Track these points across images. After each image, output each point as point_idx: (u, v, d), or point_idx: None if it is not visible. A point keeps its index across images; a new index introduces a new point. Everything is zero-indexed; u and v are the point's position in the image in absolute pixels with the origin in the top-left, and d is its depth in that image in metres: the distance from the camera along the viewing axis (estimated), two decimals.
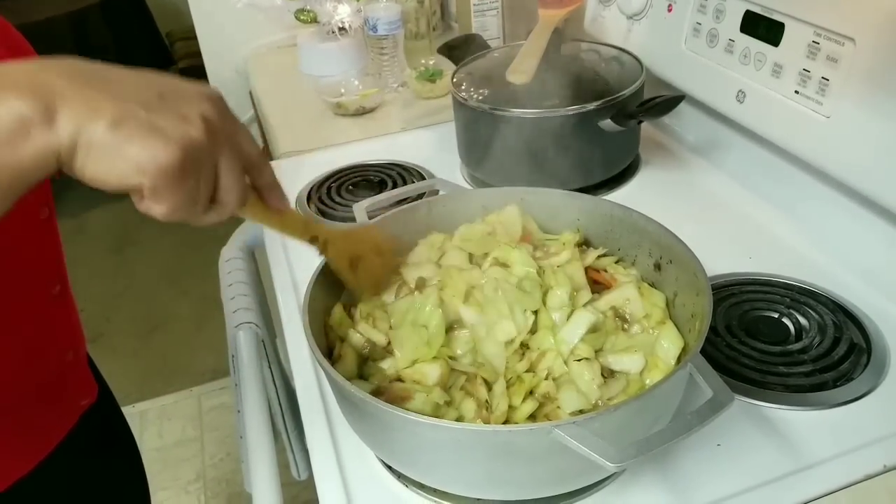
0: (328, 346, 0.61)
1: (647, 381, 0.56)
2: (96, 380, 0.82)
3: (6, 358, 0.64)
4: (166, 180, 0.37)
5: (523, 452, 0.47)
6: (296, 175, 1.04)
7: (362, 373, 0.59)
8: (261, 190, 0.47)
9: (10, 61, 0.37)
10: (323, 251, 0.59)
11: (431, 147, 1.10)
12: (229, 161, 0.41)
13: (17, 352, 0.65)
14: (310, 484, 0.62)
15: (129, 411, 2.06)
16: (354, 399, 0.50)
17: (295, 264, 0.86)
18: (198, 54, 1.66)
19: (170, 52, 3.39)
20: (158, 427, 2.03)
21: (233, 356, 0.88)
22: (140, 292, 2.60)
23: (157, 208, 0.38)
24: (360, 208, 0.71)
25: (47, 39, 2.83)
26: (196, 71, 2.84)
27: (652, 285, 0.65)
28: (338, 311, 0.63)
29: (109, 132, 0.35)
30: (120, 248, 2.87)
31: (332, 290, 0.63)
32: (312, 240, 0.58)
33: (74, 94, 0.35)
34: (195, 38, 1.61)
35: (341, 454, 0.61)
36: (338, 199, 0.98)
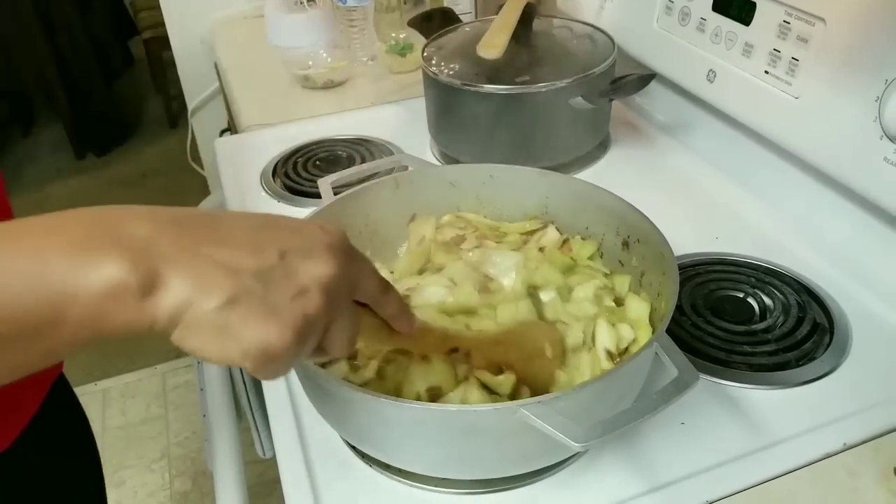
0: None
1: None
2: None
3: None
4: (273, 362, 0.33)
5: (488, 432, 0.47)
6: (261, 149, 1.02)
7: None
8: (387, 320, 0.43)
9: (104, 208, 0.31)
10: (465, 361, 0.52)
11: (401, 123, 1.09)
12: (344, 321, 0.36)
13: None
14: (275, 463, 0.61)
15: (91, 389, 2.04)
16: (318, 380, 0.49)
17: None
18: (163, 24, 1.61)
19: (134, 21, 3.30)
20: (122, 405, 2.00)
21: None
22: None
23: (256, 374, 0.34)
24: (326, 183, 0.70)
25: (8, 9, 2.73)
26: (161, 42, 2.78)
27: (620, 263, 0.65)
28: None
29: (221, 313, 0.30)
30: None
31: None
32: (452, 352, 0.51)
33: (182, 260, 0.30)
34: (159, 7, 1.56)
35: (304, 434, 0.60)
36: (304, 174, 0.96)
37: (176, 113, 3.27)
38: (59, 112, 3.05)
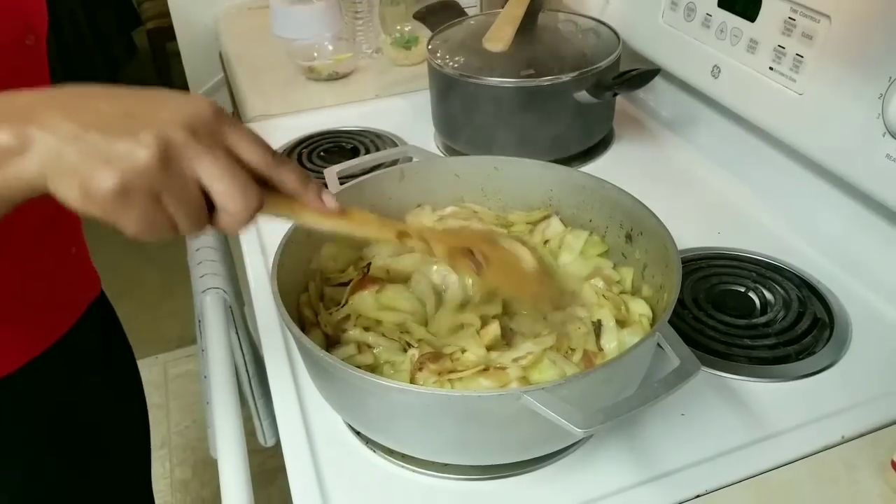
0: (298, 313, 0.61)
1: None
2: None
3: (15, 238, 0.65)
4: (109, 206, 0.37)
5: (492, 417, 0.48)
6: (266, 140, 1.02)
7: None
8: (289, 194, 0.44)
9: (28, 90, 0.39)
10: (424, 250, 0.51)
11: (406, 115, 1.09)
12: (212, 168, 0.39)
13: (26, 232, 0.66)
14: (276, 451, 0.62)
15: None
16: (324, 364, 0.49)
17: (264, 228, 0.85)
18: (166, 15, 1.61)
19: (137, 12, 3.29)
20: None
21: (199, 321, 0.87)
22: (105, 258, 2.52)
23: (124, 230, 0.39)
24: (332, 173, 0.70)
25: None
26: (164, 32, 2.77)
27: (623, 256, 0.65)
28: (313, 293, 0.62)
29: (61, 160, 0.37)
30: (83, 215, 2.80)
31: (301, 255, 0.62)
32: (401, 236, 0.50)
33: (51, 124, 0.37)
34: None
35: (309, 421, 0.61)
36: (309, 164, 0.96)
37: None
38: None
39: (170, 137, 0.38)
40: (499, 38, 0.87)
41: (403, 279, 0.63)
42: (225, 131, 0.40)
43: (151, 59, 3.24)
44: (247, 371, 0.90)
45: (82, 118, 0.38)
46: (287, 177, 0.43)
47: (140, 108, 0.39)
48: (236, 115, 1.33)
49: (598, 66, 0.86)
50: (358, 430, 0.59)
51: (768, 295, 0.71)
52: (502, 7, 0.93)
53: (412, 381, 0.53)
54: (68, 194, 0.37)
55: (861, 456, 0.56)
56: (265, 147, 0.42)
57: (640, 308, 0.59)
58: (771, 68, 0.77)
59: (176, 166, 0.38)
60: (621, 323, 0.58)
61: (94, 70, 3.05)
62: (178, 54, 1.63)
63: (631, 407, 0.44)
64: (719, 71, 0.84)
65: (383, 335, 0.58)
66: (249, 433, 0.71)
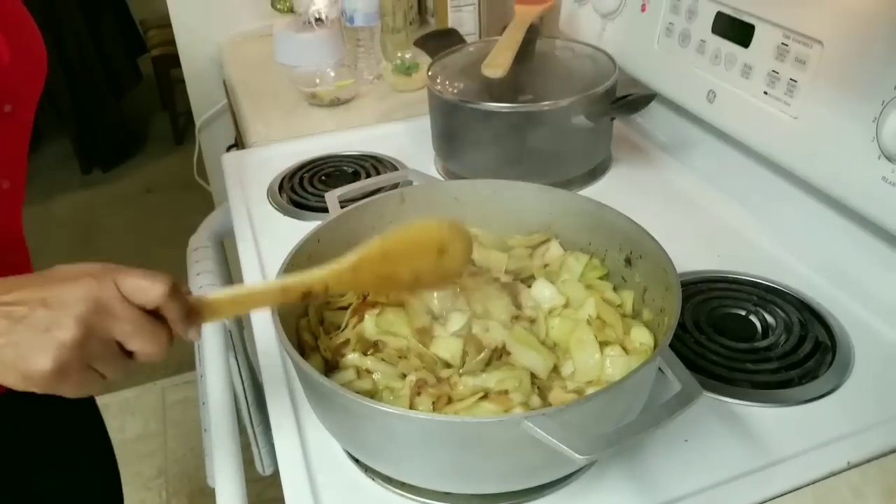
0: (297, 338, 0.60)
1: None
2: None
3: None
4: (49, 384, 0.43)
5: (492, 444, 0.47)
6: (268, 164, 1.03)
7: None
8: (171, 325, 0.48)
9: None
10: (333, 296, 0.55)
11: (406, 139, 1.09)
12: (125, 328, 0.44)
13: None
14: (274, 480, 0.61)
15: None
16: (323, 389, 0.49)
17: (265, 254, 0.85)
18: (171, 42, 1.63)
19: (143, 39, 3.34)
20: (120, 421, 1.99)
21: (198, 346, 0.87)
22: None
23: (64, 395, 0.44)
24: (333, 197, 0.71)
25: None
26: (169, 59, 2.80)
27: (623, 279, 0.65)
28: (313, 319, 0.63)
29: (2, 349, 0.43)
30: (85, 236, 2.81)
31: None
32: (306, 296, 0.52)
33: None
34: (169, 26, 1.58)
35: (308, 449, 0.60)
36: (310, 188, 0.97)
37: (182, 130, 3.29)
38: (66, 127, 3.07)
39: (84, 315, 0.43)
40: (497, 64, 0.88)
41: (402, 303, 0.63)
42: (122, 287, 0.45)
43: (156, 86, 3.28)
44: (245, 398, 0.89)
45: (6, 313, 0.43)
46: (170, 314, 0.47)
47: (51, 294, 0.43)
48: (240, 141, 1.34)
49: (595, 91, 0.87)
50: (357, 457, 0.58)
51: (769, 318, 0.70)
52: (501, 34, 0.94)
53: (411, 406, 0.53)
54: (9, 381, 0.43)
55: (868, 482, 0.55)
56: (156, 289, 0.46)
57: (641, 336, 0.58)
58: (765, 93, 0.77)
59: (96, 337, 0.44)
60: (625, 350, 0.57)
61: (99, 96, 3.07)
62: (182, 81, 1.65)
63: (633, 432, 0.43)
64: (715, 95, 0.84)
65: (383, 360, 0.58)
66: (248, 461, 0.71)
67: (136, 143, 3.38)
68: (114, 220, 2.86)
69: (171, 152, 3.31)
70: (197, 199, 1.95)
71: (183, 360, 2.10)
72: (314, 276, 0.52)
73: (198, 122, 1.65)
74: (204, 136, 1.67)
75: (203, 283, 0.91)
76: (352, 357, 0.58)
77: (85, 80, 2.98)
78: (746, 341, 0.68)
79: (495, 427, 0.46)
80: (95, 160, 3.20)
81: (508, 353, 0.58)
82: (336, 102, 1.22)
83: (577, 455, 0.42)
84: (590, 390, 0.55)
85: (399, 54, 1.28)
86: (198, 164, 1.73)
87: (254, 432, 0.90)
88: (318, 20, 1.34)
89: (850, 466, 0.56)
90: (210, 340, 0.82)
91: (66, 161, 3.21)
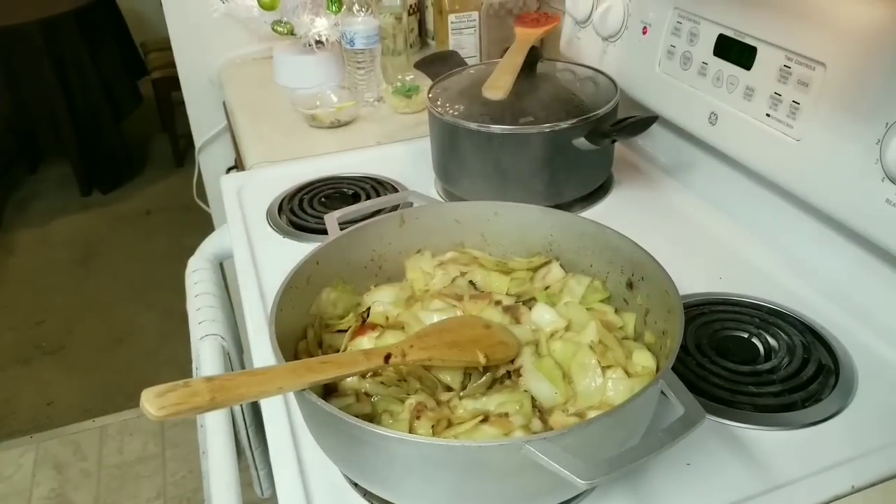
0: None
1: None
2: None
3: None
4: None
5: (493, 468, 0.46)
6: (267, 186, 1.03)
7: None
8: None
9: None
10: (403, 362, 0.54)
11: (406, 161, 1.10)
12: None
13: None
14: (274, 503, 0.60)
15: (89, 426, 2.02)
16: (322, 413, 0.48)
17: (263, 275, 0.84)
18: (172, 65, 1.64)
19: (144, 62, 3.36)
20: (119, 443, 1.98)
21: (196, 369, 0.86)
22: (104, 304, 2.54)
23: None
24: (332, 219, 0.70)
25: (18, 45, 2.78)
26: (169, 82, 2.82)
27: (624, 302, 0.65)
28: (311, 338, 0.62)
29: None
30: (84, 259, 2.80)
31: (300, 301, 0.62)
32: (387, 359, 0.53)
33: None
34: (170, 48, 1.59)
35: (306, 473, 0.60)
36: (310, 210, 0.96)
37: (182, 152, 3.30)
38: (66, 149, 3.08)
39: None
40: (498, 86, 0.88)
41: (402, 326, 0.63)
42: None
43: (156, 108, 3.30)
44: (244, 420, 0.88)
45: None
46: None
47: None
48: (239, 163, 1.34)
49: (596, 113, 0.87)
50: (356, 481, 0.58)
51: (772, 341, 0.70)
52: (501, 57, 0.95)
53: (411, 430, 0.52)
54: None
55: None
56: None
57: (643, 360, 0.58)
58: (768, 115, 0.77)
59: None
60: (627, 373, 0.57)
61: (99, 119, 3.08)
62: (182, 103, 1.66)
63: (636, 457, 0.43)
64: (716, 118, 0.85)
65: (382, 384, 0.57)
66: (246, 484, 0.70)
67: (135, 166, 3.40)
68: (113, 242, 2.87)
69: (171, 174, 3.32)
70: (197, 220, 1.95)
71: None
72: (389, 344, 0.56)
73: (197, 144, 1.66)
74: (203, 157, 1.67)
75: (202, 305, 0.90)
76: (351, 380, 0.57)
77: (85, 103, 2.99)
78: (749, 364, 0.68)
79: (496, 451, 0.45)
80: (95, 182, 3.20)
81: (520, 376, 0.58)
82: (336, 124, 1.23)
83: (579, 480, 0.42)
84: (591, 413, 0.55)
85: (399, 76, 1.29)
86: (197, 185, 1.73)
87: (252, 455, 0.89)
88: (319, 42, 1.35)
89: (854, 491, 0.56)
90: (208, 362, 0.82)
91: (65, 183, 3.22)
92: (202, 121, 1.64)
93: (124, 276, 2.65)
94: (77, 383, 2.19)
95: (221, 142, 1.64)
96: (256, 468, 0.89)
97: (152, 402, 0.43)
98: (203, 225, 1.91)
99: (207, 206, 1.79)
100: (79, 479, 1.88)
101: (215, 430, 0.74)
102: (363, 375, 0.56)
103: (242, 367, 0.89)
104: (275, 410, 0.66)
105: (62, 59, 2.87)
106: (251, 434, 0.87)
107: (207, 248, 1.00)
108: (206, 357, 0.82)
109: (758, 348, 0.70)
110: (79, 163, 3.12)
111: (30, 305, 2.53)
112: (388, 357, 0.53)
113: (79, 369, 2.24)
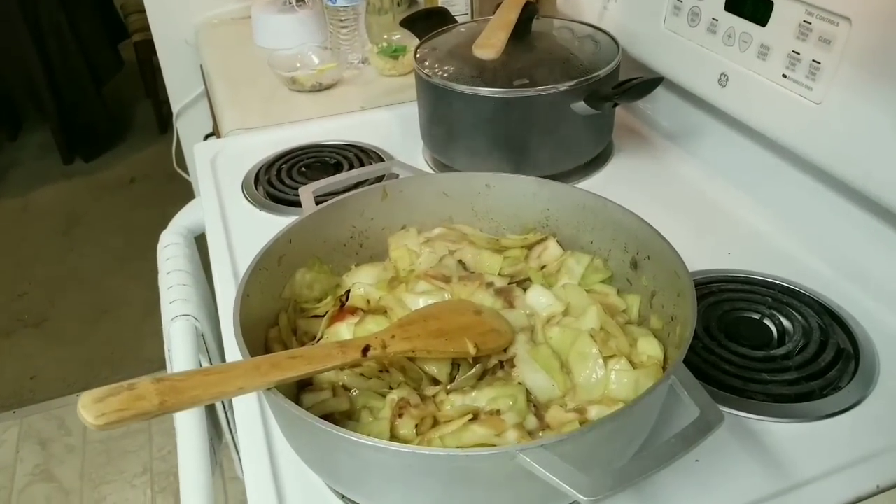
0: (266, 350, 0.54)
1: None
2: None
3: None
4: None
5: (483, 478, 0.41)
6: (243, 154, 0.97)
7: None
8: None
9: None
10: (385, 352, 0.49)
11: (392, 128, 1.04)
12: None
13: None
14: None
15: (73, 399, 1.98)
16: (292, 417, 0.43)
17: (237, 251, 0.79)
18: None
19: (124, 24, 3.25)
20: None
21: (168, 351, 0.81)
22: (87, 276, 2.49)
23: None
24: (307, 192, 0.64)
25: None
26: (151, 45, 2.72)
27: (628, 282, 0.59)
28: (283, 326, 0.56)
29: None
30: (67, 228, 2.74)
31: (272, 283, 0.56)
32: (366, 351, 0.48)
33: None
34: None
35: (280, 479, 0.54)
36: (288, 181, 0.90)
37: (166, 117, 3.22)
38: (46, 116, 3.00)
39: None
40: (490, 44, 0.81)
41: (385, 310, 0.57)
42: None
43: (139, 73, 3.20)
44: (223, 402, 0.84)
45: None
46: None
47: None
48: (217, 129, 1.27)
49: (596, 75, 0.82)
50: (333, 487, 0.53)
51: (786, 323, 0.65)
52: (494, 13, 0.88)
53: (392, 430, 0.47)
54: None
55: None
56: None
57: (649, 348, 0.52)
58: (784, 76, 0.72)
59: None
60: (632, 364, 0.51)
61: (80, 84, 2.99)
62: None
63: (645, 469, 0.38)
64: (727, 79, 0.79)
65: (362, 375, 0.52)
66: (230, 461, 0.66)
67: (118, 132, 3.32)
68: (97, 212, 2.81)
69: (155, 141, 3.24)
70: (182, 189, 1.90)
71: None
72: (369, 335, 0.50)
73: (175, 110, 1.59)
74: (182, 124, 1.61)
75: (174, 283, 0.85)
76: (327, 373, 0.51)
77: (64, 68, 2.90)
78: (761, 348, 0.63)
79: (486, 461, 0.40)
80: (77, 150, 3.13)
81: (513, 366, 0.53)
82: (317, 88, 1.16)
83: (582, 497, 0.36)
84: (592, 409, 0.49)
85: (385, 36, 1.22)
86: (177, 153, 1.67)
87: (233, 436, 0.85)
88: (300, 1, 1.27)
89: (879, 491, 0.52)
90: (179, 344, 0.76)
91: (47, 151, 3.15)
92: (179, 85, 1.57)
93: (108, 246, 2.60)
94: (60, 356, 2.15)
95: (200, 107, 1.58)
96: (237, 449, 0.85)
97: (90, 408, 0.37)
98: (185, 193, 1.86)
99: (188, 174, 1.73)
100: (63, 455, 1.85)
101: (185, 416, 0.70)
102: (340, 369, 0.51)
103: (220, 350, 0.84)
104: (246, 404, 0.61)
105: (40, 24, 2.78)
106: (230, 416, 0.83)
107: (181, 222, 0.94)
108: (178, 340, 0.77)
109: (771, 331, 0.65)
110: (60, 130, 3.04)
111: (11, 277, 2.48)
112: (366, 349, 0.48)
113: (62, 342, 2.20)
